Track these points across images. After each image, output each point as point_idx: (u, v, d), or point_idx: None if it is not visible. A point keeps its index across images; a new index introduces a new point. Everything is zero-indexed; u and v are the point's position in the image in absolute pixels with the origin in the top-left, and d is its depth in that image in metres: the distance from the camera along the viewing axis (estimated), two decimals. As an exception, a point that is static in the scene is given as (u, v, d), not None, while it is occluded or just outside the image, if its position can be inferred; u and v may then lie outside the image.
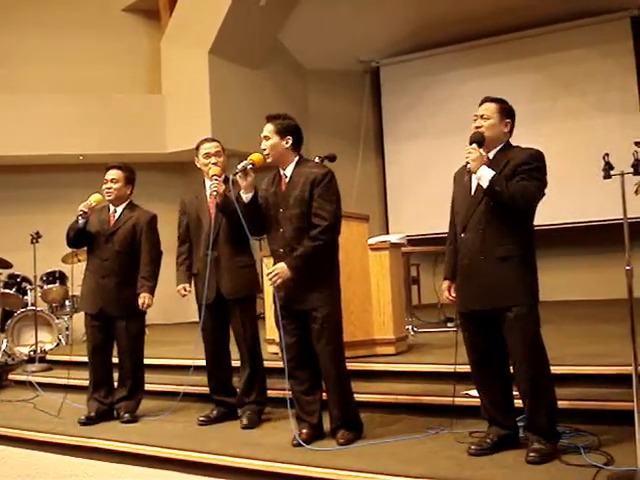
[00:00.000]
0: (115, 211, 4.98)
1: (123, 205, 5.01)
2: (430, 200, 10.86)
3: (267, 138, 3.96)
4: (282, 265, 3.82)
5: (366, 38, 11.23)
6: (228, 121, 9.62)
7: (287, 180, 3.97)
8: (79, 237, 4.90)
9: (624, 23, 10.18)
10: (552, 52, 10.53)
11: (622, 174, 3.27)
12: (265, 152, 3.95)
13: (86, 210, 4.79)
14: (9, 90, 9.66)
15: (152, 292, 4.89)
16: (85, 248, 5.07)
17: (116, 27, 10.57)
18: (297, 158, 4.01)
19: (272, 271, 3.83)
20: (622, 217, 3.32)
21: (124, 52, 10.48)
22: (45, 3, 10.26)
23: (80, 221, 4.81)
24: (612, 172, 3.33)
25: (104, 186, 4.95)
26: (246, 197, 3.95)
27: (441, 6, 10.40)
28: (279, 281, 3.83)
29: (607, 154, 3.37)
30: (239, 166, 3.91)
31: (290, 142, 3.96)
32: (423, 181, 11.16)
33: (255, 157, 3.93)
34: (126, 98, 9.99)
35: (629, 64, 10.08)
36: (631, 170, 3.26)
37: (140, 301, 4.81)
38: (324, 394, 4.03)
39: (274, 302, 4.03)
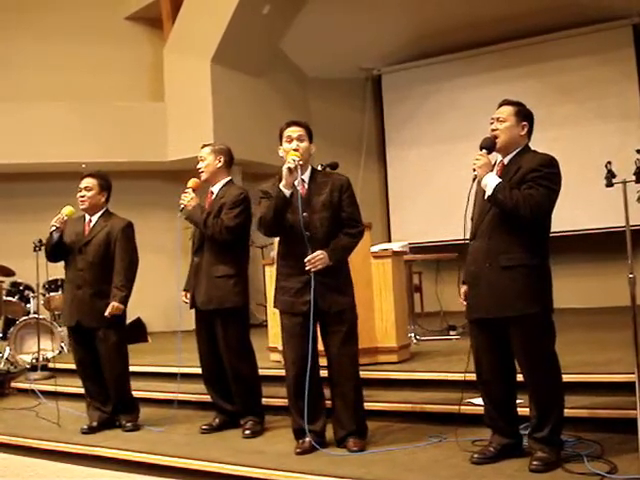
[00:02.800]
0: (90, 221, 4.91)
1: (98, 214, 4.92)
2: (433, 208, 10.88)
3: (302, 139, 3.96)
4: (324, 252, 3.83)
5: (368, 46, 11.26)
6: (230, 129, 9.64)
7: (306, 185, 3.97)
8: (57, 251, 4.84)
9: (625, 31, 10.21)
10: (553, 60, 10.55)
11: (624, 182, 3.27)
12: (300, 152, 3.90)
13: (58, 225, 4.76)
14: (11, 98, 9.69)
15: (124, 302, 4.76)
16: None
17: (119, 35, 10.62)
18: (311, 166, 4.06)
19: (315, 256, 3.82)
20: (624, 225, 3.32)
21: (127, 60, 10.52)
22: (48, 11, 10.30)
23: (54, 235, 4.77)
24: (614, 180, 3.33)
25: (78, 194, 4.88)
26: (289, 193, 3.86)
27: (442, 14, 10.43)
28: (319, 267, 3.82)
29: (609, 162, 3.37)
30: (290, 160, 3.82)
31: (313, 150, 4.04)
32: (425, 188, 11.18)
33: (299, 155, 3.86)
34: (128, 106, 10.02)
35: (630, 71, 10.09)
36: (633, 178, 3.26)
37: (108, 310, 4.71)
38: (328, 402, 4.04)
39: (281, 310, 4.02)
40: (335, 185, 3.96)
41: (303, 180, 3.97)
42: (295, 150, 3.90)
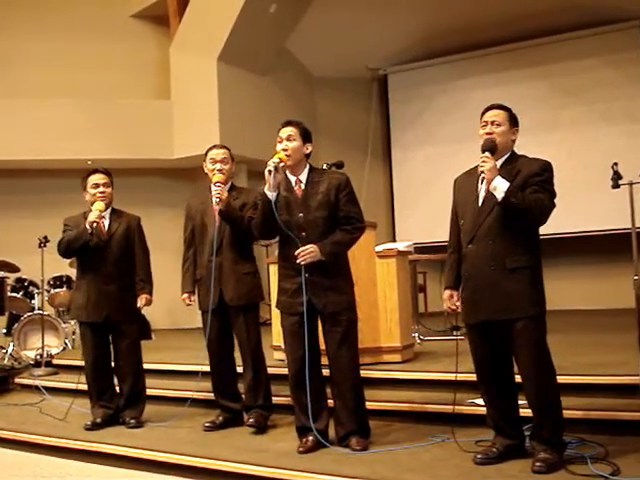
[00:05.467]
0: (103, 217, 4.89)
1: (109, 211, 4.96)
2: (437, 208, 10.81)
3: (292, 139, 3.93)
4: (315, 246, 3.82)
5: (374, 46, 11.26)
6: (236, 127, 9.66)
7: (303, 185, 3.97)
8: (82, 248, 4.80)
9: (632, 33, 10.19)
10: (560, 61, 10.54)
11: (631, 184, 3.27)
12: (287, 153, 3.89)
13: (99, 221, 4.73)
14: (17, 95, 9.73)
15: (152, 293, 4.95)
16: None
17: (125, 33, 10.64)
18: (309, 165, 4.03)
19: (305, 249, 3.81)
20: (629, 226, 3.32)
21: (133, 58, 10.54)
22: (54, 9, 10.33)
23: (89, 232, 4.69)
24: (620, 182, 3.33)
25: (95, 191, 4.84)
26: (273, 195, 3.88)
27: (449, 15, 10.43)
28: (309, 260, 3.81)
29: (616, 163, 3.37)
30: (270, 163, 3.83)
31: (309, 150, 4.00)
32: (430, 189, 11.17)
33: (283, 156, 3.87)
34: (134, 104, 10.05)
35: (637, 73, 10.08)
36: (639, 180, 3.26)
37: (140, 302, 4.86)
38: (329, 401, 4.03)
39: (281, 311, 4.03)
40: (332, 184, 3.92)
41: (300, 180, 3.98)
42: (284, 150, 3.89)
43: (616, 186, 3.40)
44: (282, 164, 3.85)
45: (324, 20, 10.47)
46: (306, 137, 3.99)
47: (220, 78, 9.78)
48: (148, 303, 4.91)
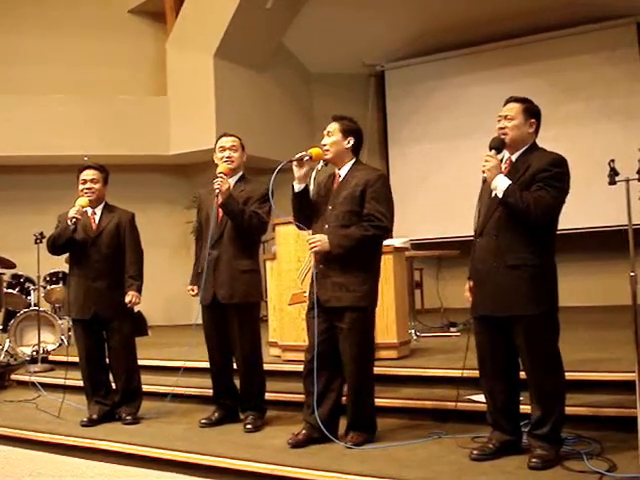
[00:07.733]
0: (94, 213, 4.89)
1: (101, 206, 4.93)
2: (434, 204, 10.88)
3: (330, 134, 4.00)
4: (324, 236, 3.84)
5: (371, 42, 11.24)
6: (233, 123, 9.59)
7: (340, 179, 4.01)
8: (68, 244, 4.79)
9: (630, 29, 10.18)
10: (557, 58, 10.53)
11: (627, 180, 3.26)
12: (325, 147, 3.98)
13: (79, 217, 4.68)
14: (14, 91, 9.69)
15: (140, 291, 4.86)
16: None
17: (122, 29, 10.61)
18: (353, 160, 4.05)
19: (313, 238, 3.86)
20: (626, 223, 3.31)
21: (129, 54, 10.52)
22: (51, 5, 10.30)
23: (71, 228, 4.68)
24: (617, 178, 3.32)
25: (83, 186, 4.84)
26: (298, 187, 3.96)
27: (446, 11, 10.41)
28: (316, 249, 3.85)
29: (612, 160, 3.35)
30: (296, 155, 3.90)
31: (351, 143, 4.01)
32: (427, 185, 11.17)
33: (314, 151, 3.94)
34: (131, 100, 10.03)
35: (634, 70, 10.07)
36: (636, 176, 3.25)
37: (127, 299, 4.77)
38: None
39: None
40: (361, 180, 3.92)
41: (339, 174, 4.03)
42: (323, 145, 3.98)
43: (613, 182, 3.39)
44: (307, 158, 3.90)
45: (321, 16, 10.45)
46: (347, 132, 4.01)
47: (217, 74, 9.77)
48: (136, 300, 4.81)
